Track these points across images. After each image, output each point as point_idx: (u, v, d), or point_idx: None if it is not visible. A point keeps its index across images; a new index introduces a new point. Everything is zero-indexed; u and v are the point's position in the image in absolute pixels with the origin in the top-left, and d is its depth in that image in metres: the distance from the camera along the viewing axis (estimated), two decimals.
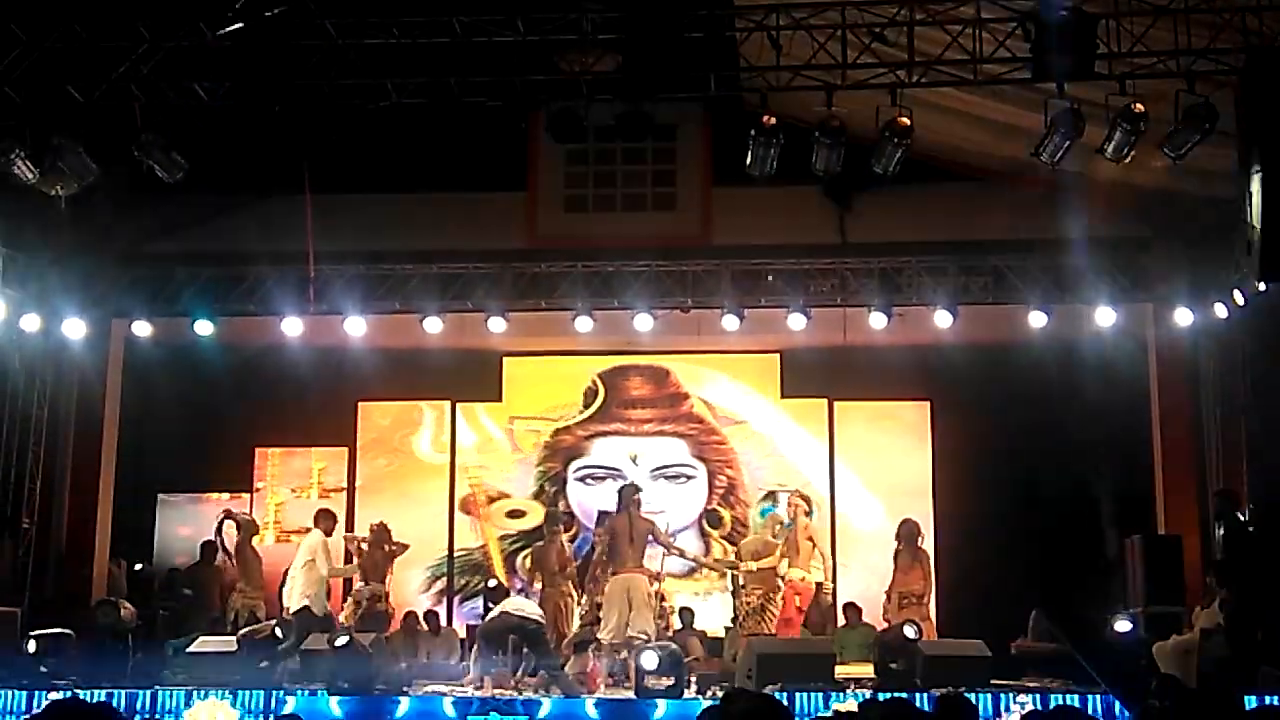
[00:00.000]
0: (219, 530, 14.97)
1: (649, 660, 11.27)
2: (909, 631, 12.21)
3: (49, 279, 14.63)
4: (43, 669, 11.70)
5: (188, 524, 16.27)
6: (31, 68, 10.93)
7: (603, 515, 14.43)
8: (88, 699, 10.08)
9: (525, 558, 15.64)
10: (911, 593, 13.72)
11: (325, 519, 13.77)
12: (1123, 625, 12.33)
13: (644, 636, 12.38)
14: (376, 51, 10.97)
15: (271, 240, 14.28)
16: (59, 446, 15.23)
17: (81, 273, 14.81)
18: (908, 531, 14.07)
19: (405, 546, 14.76)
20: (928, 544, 14.47)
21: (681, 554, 14.28)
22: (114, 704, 10.77)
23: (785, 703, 10.31)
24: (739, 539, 15.87)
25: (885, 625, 13.54)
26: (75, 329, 14.62)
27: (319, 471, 16.66)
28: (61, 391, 15.31)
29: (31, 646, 12.10)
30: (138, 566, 15.71)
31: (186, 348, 15.02)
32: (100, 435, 15.41)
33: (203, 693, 11.12)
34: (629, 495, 13.33)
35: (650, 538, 13.22)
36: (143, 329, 14.98)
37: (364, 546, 14.54)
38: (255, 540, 14.74)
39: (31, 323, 14.45)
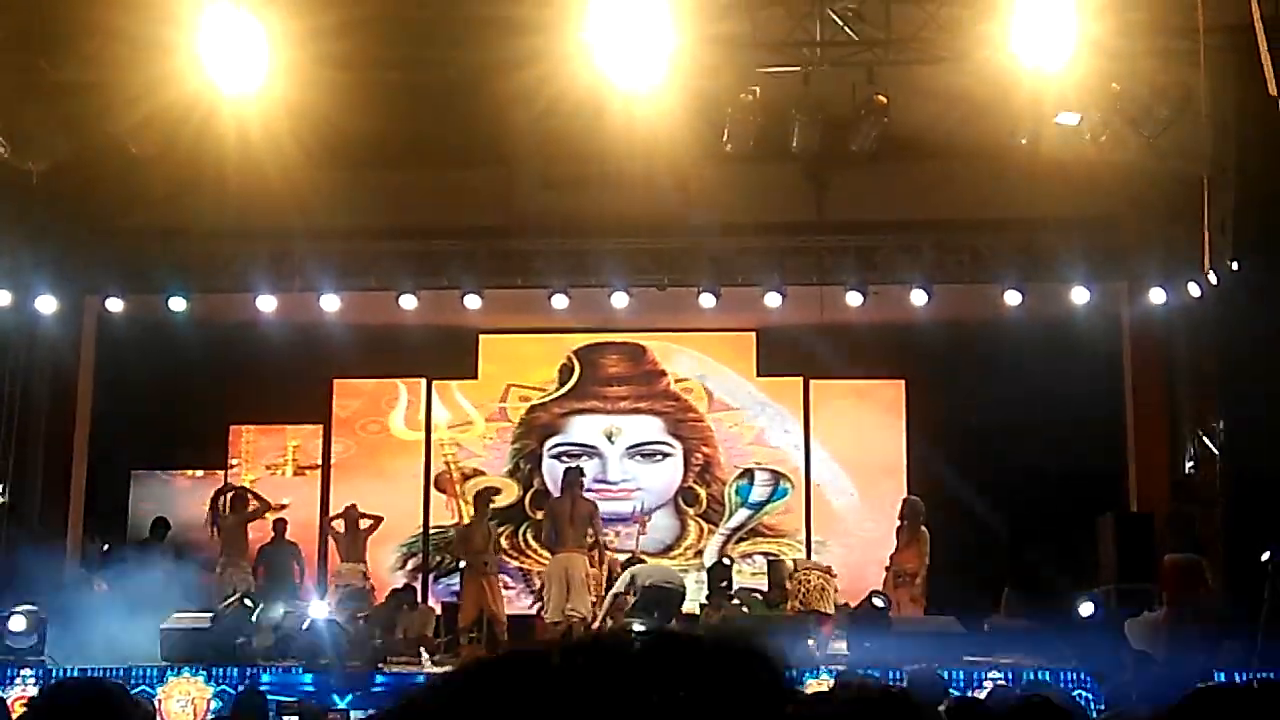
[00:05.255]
0: (214, 505, 14.87)
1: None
2: (877, 601, 12.39)
3: (21, 255, 14.51)
4: (17, 646, 11.63)
5: (161, 501, 16.19)
6: (3, 41, 10.82)
7: (543, 496, 14.62)
8: (64, 675, 10.05)
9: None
10: (905, 571, 13.59)
11: None
12: (1086, 608, 12.33)
13: (579, 615, 12.57)
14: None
15: (246, 216, 14.17)
16: (32, 424, 15.11)
17: (54, 248, 14.70)
18: (910, 510, 13.88)
19: (379, 519, 14.70)
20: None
21: (606, 547, 14.29)
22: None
23: None
24: (715, 516, 15.93)
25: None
26: (48, 305, 14.52)
27: (294, 449, 16.60)
28: (34, 368, 15.18)
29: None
30: (105, 547, 15.54)
31: (160, 324, 14.93)
32: (73, 412, 15.31)
33: (176, 669, 11.12)
34: (573, 478, 13.64)
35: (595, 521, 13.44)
36: (116, 305, 14.90)
37: (337, 528, 14.52)
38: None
39: (3, 299, 14.36)
